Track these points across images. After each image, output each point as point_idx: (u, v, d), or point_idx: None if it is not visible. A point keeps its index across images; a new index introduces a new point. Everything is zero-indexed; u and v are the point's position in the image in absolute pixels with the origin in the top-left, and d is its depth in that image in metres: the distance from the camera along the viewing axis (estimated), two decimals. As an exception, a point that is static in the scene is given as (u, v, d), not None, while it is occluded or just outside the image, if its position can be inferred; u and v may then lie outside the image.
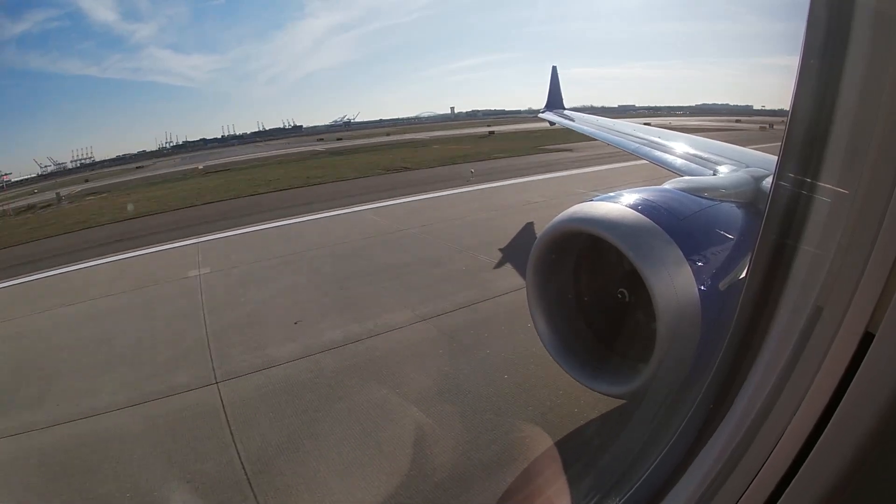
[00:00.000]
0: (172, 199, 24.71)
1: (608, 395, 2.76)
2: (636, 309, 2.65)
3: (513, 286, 6.26)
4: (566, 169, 18.04)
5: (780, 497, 0.89)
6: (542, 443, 3.57)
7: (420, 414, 3.96)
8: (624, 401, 3.17)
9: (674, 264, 2.29)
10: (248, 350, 5.37)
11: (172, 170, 52.82)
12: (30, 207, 33.53)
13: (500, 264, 7.48)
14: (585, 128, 9.02)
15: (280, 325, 6.01)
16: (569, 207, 2.74)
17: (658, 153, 5.59)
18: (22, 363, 5.96)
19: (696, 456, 1.10)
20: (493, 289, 6.35)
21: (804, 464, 0.85)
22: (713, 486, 1.03)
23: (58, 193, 37.25)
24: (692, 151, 4.98)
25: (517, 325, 5.06)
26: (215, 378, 4.88)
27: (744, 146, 4.74)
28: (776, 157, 1.03)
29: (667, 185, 2.94)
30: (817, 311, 0.87)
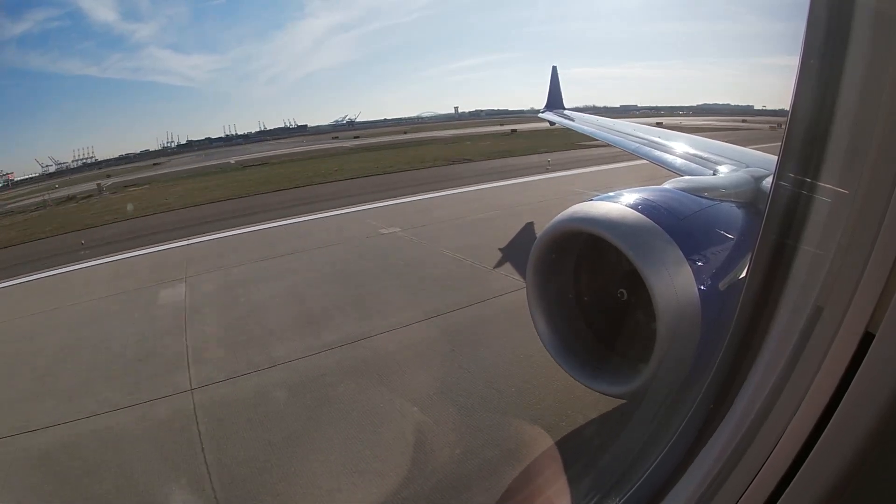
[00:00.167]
0: (253, 184, 26.21)
1: (608, 395, 2.76)
2: (636, 309, 2.64)
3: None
4: (613, 162, 18.06)
5: (780, 497, 0.89)
6: (543, 442, 3.57)
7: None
8: (624, 401, 3.17)
9: (674, 264, 2.29)
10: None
11: (197, 165, 52.31)
12: (70, 198, 34.62)
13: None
14: (585, 128, 9.02)
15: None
16: (568, 207, 2.74)
17: (658, 153, 5.59)
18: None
19: (696, 456, 1.10)
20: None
21: (804, 464, 0.85)
22: (713, 486, 1.03)
23: (99, 184, 38.63)
24: (692, 151, 4.98)
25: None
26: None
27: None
28: (776, 157, 1.03)
29: (667, 185, 2.94)
30: (817, 311, 0.86)
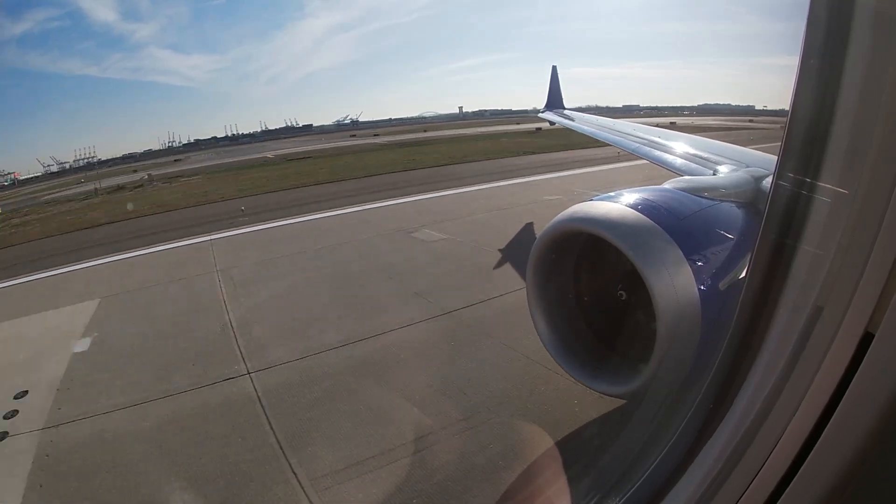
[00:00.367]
0: (331, 172, 27.15)
1: (608, 395, 2.76)
2: (636, 309, 2.64)
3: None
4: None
5: (780, 497, 0.89)
6: (543, 442, 3.57)
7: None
8: (624, 401, 3.17)
9: (674, 264, 2.29)
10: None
11: (230, 160, 52.16)
12: (120, 188, 36.11)
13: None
14: (585, 127, 9.02)
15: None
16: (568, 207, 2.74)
17: (658, 153, 5.59)
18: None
19: (696, 456, 1.10)
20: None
21: (804, 464, 0.85)
22: (713, 486, 1.03)
23: (149, 175, 40.52)
24: (692, 151, 4.98)
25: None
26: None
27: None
28: (776, 157, 1.03)
29: (667, 185, 2.94)
30: (817, 311, 0.86)
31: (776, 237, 1.01)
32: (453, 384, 4.41)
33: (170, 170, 47.42)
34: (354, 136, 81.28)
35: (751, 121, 61.55)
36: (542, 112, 12.26)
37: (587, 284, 2.94)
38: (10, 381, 5.33)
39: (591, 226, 2.52)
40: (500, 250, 8.42)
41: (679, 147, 5.37)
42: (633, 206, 2.52)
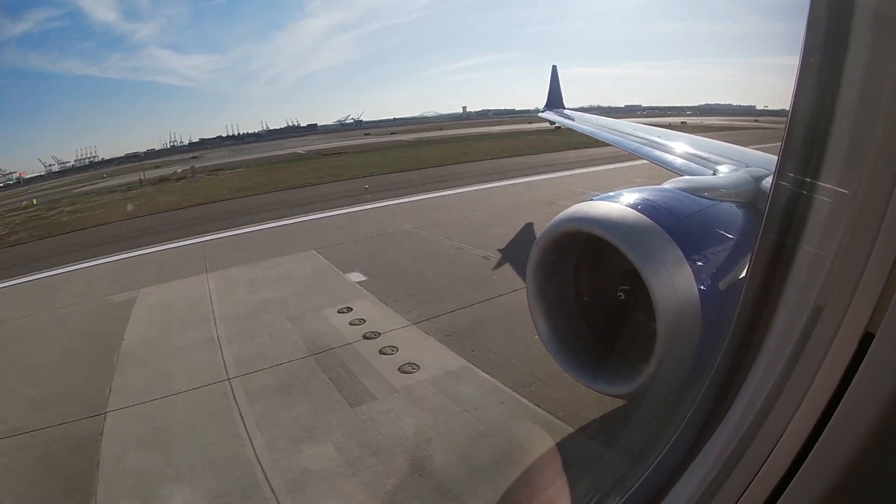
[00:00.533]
0: (396, 163, 28.99)
1: (608, 395, 2.76)
2: (636, 309, 2.64)
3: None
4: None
5: (779, 497, 0.89)
6: (543, 442, 3.58)
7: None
8: (624, 401, 3.17)
9: (674, 264, 2.29)
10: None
11: (252, 156, 52.76)
12: (163, 179, 38.79)
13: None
14: (585, 127, 9.02)
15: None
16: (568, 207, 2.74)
17: (658, 153, 5.59)
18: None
19: (696, 456, 1.10)
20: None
21: (804, 464, 0.85)
22: (713, 486, 1.03)
23: (192, 167, 42.49)
24: (692, 151, 4.98)
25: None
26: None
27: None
28: (776, 157, 1.03)
29: (667, 185, 2.94)
30: (817, 311, 0.86)
31: (776, 237, 1.01)
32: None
33: (198, 165, 47.93)
34: (369, 134, 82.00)
35: (756, 120, 61.55)
36: (543, 112, 12.25)
37: (587, 284, 2.94)
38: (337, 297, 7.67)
39: (591, 226, 2.52)
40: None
41: (679, 147, 5.37)
42: (633, 206, 2.52)
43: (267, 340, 6.37)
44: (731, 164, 3.83)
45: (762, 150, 4.21)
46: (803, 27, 0.93)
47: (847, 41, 0.86)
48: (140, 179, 38.96)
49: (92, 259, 12.23)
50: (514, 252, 9.18)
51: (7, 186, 72.90)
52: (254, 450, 4.17)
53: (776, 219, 1.02)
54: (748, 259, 1.35)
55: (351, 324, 6.60)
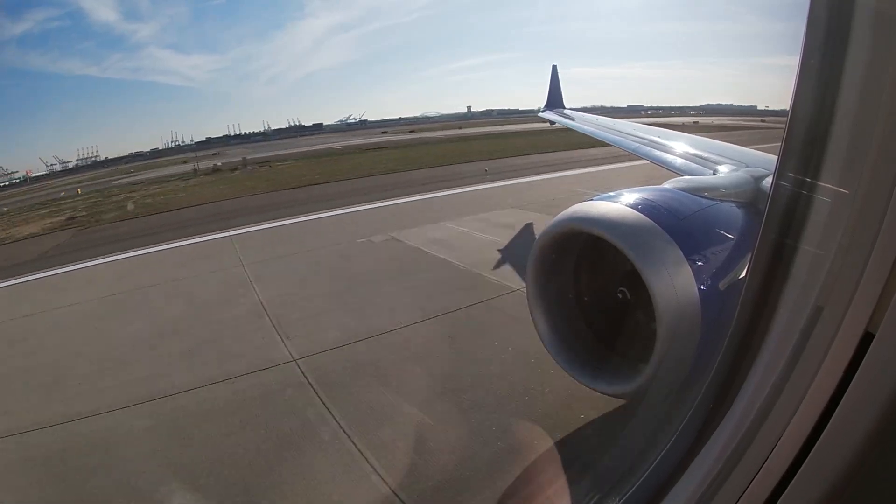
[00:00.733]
0: (453, 156, 29.71)
1: (608, 395, 2.76)
2: (636, 309, 2.64)
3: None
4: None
5: (779, 497, 0.89)
6: (543, 442, 3.57)
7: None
8: (624, 401, 3.17)
9: (674, 264, 2.29)
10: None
11: (284, 152, 52.80)
12: (216, 169, 40.14)
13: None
14: (585, 127, 9.01)
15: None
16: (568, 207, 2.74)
17: (658, 153, 5.58)
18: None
19: (696, 456, 1.10)
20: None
21: (804, 464, 0.85)
22: (713, 486, 1.03)
23: (244, 158, 44.17)
24: (692, 151, 4.97)
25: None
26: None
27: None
28: (776, 157, 1.03)
29: (667, 185, 2.94)
30: (817, 311, 0.86)
31: (776, 237, 1.01)
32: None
33: (234, 160, 48.21)
34: (386, 132, 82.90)
35: (762, 120, 61.59)
36: (543, 111, 12.25)
37: (587, 284, 2.94)
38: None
39: (591, 226, 2.52)
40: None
41: (679, 147, 5.37)
42: (633, 206, 2.52)
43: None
44: (731, 164, 3.83)
45: (764, 150, 4.21)
46: (803, 27, 0.93)
47: (847, 41, 0.86)
48: (195, 170, 40.61)
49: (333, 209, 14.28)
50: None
51: (12, 185, 74.10)
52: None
53: (776, 219, 1.02)
54: (748, 259, 1.35)
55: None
